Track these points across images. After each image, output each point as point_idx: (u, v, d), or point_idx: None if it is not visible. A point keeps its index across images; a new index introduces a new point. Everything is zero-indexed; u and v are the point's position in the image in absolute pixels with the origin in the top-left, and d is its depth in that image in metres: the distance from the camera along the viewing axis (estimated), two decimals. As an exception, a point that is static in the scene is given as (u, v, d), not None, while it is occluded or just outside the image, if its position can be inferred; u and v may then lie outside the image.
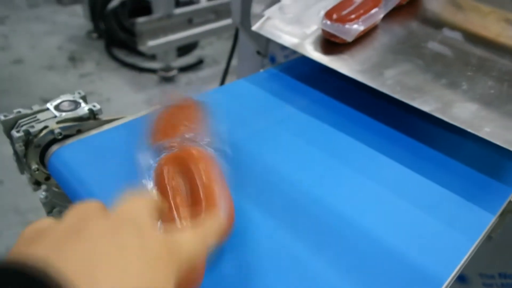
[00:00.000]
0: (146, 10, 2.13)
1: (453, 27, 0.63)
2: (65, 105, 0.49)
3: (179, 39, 2.11)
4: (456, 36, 0.62)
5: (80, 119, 0.48)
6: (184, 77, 2.22)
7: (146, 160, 0.40)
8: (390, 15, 0.65)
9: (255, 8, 0.69)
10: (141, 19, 1.95)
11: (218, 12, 2.27)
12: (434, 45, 0.59)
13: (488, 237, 0.51)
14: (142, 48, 1.99)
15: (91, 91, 2.01)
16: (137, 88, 2.12)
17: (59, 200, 0.50)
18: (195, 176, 0.36)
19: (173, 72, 2.16)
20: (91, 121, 0.49)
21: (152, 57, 2.22)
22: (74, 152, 0.45)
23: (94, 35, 2.40)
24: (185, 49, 2.35)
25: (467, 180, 0.48)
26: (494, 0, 0.66)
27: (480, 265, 0.78)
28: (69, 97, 0.50)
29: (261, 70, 0.69)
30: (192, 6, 2.26)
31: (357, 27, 0.58)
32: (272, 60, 0.97)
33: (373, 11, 0.60)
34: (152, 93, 2.08)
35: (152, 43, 1.98)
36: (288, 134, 0.52)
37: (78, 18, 2.53)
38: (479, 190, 0.47)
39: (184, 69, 2.26)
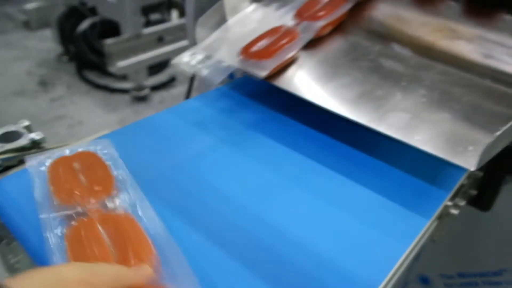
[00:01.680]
0: (116, 31, 2.13)
1: (389, 38, 0.66)
2: (7, 136, 0.49)
3: (150, 58, 2.12)
4: (392, 46, 0.64)
5: (21, 149, 0.48)
6: (157, 96, 2.23)
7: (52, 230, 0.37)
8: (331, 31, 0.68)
9: (200, 32, 0.71)
10: (109, 40, 1.95)
11: (188, 30, 2.29)
12: (371, 58, 0.61)
13: (432, 241, 0.53)
14: (112, 69, 1.99)
15: (62, 114, 2.00)
16: (109, 109, 2.11)
17: (5, 232, 0.50)
18: (118, 238, 0.36)
19: (146, 91, 2.16)
20: (34, 151, 0.49)
21: (124, 77, 2.22)
22: (15, 183, 0.46)
23: (65, 58, 2.40)
24: (157, 67, 2.35)
25: (403, 187, 0.50)
26: (431, 10, 0.69)
27: (440, 266, 0.80)
28: (11, 127, 0.50)
29: (212, 89, 0.70)
30: (162, 25, 2.28)
31: (271, 63, 0.59)
32: (231, 76, 0.99)
33: (290, 44, 0.62)
34: (125, 113, 2.08)
35: (122, 63, 1.98)
36: (224, 145, 0.53)
37: (48, 43, 2.52)
38: (415, 196, 0.49)
39: (156, 88, 2.26)
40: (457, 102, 0.53)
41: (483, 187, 0.65)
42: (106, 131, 0.57)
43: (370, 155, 0.54)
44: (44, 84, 2.22)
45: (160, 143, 0.55)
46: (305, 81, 0.59)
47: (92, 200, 0.39)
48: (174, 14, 2.54)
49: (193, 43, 0.88)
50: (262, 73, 0.58)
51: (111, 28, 2.25)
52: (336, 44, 0.66)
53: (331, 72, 0.59)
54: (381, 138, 0.56)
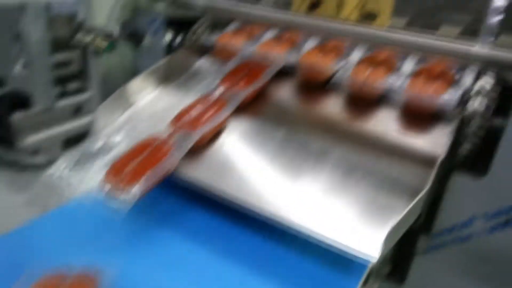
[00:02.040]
0: (28, 102, 2.00)
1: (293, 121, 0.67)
2: None
3: (65, 132, 2.01)
4: (298, 128, 0.66)
5: None
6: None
7: None
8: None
9: (100, 121, 0.68)
10: (18, 114, 1.82)
11: (108, 100, 2.22)
12: (275, 142, 0.61)
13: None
14: (20, 144, 1.84)
15: (-41, 198, 1.77)
16: (17, 189, 1.91)
17: None
18: None
19: (60, 166, 2.01)
20: None
21: (36, 152, 2.06)
22: None
23: (-33, 133, 2.18)
24: (74, 139, 2.23)
25: (311, 280, 0.47)
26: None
27: None
28: None
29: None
30: (79, 96, 2.19)
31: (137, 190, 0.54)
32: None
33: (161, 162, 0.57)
34: (36, 192, 1.90)
35: (32, 138, 1.84)
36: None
37: None
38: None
39: (73, 161, 2.12)
40: (357, 186, 0.53)
41: (395, 263, 0.65)
42: None
43: (278, 246, 0.52)
44: None
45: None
46: (207, 172, 0.57)
47: None
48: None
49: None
50: (131, 199, 0.53)
51: (21, 100, 2.11)
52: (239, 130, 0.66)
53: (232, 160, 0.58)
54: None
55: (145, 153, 0.57)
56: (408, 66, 0.69)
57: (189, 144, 0.60)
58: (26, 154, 2.10)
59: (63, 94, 2.22)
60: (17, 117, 1.83)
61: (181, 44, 0.90)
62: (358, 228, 0.48)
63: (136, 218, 0.57)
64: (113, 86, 0.92)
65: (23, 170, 2.04)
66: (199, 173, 0.58)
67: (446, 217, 0.71)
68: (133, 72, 0.95)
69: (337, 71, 0.69)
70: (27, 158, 2.09)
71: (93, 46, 0.75)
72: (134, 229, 0.56)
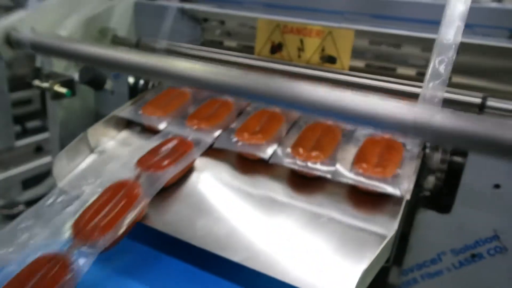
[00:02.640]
0: (-16, 143, 1.91)
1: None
2: None
3: (25, 172, 1.92)
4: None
5: None
6: (34, 212, 1.98)
7: None
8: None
9: (57, 167, 0.65)
10: (-27, 157, 1.73)
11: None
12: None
13: None
14: (-25, 188, 1.74)
15: None
16: (-29, 234, 1.79)
17: None
18: None
19: (19, 208, 1.91)
20: None
21: (-8, 194, 1.96)
22: None
23: None
24: (35, 179, 2.13)
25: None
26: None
27: None
28: None
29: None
30: (40, 134, 2.12)
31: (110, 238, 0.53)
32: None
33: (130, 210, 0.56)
34: (-8, 237, 1.78)
35: (-13, 181, 1.75)
36: None
37: None
38: None
39: (33, 203, 2.02)
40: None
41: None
42: None
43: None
44: None
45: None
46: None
47: None
48: (56, 120, 2.40)
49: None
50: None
51: (-23, 141, 2.02)
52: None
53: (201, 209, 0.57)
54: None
55: (113, 200, 0.56)
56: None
57: (158, 187, 0.59)
58: (-19, 197, 1.99)
59: (24, 133, 2.14)
60: (-27, 159, 1.74)
61: (144, 86, 0.89)
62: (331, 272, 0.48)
63: (102, 268, 0.54)
64: (75, 128, 0.89)
65: (-21, 214, 1.93)
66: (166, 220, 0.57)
67: (415, 254, 0.71)
68: (96, 115, 0.93)
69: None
70: (-18, 202, 1.98)
71: (52, 92, 0.73)
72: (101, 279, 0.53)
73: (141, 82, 0.89)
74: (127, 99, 0.87)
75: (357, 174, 0.60)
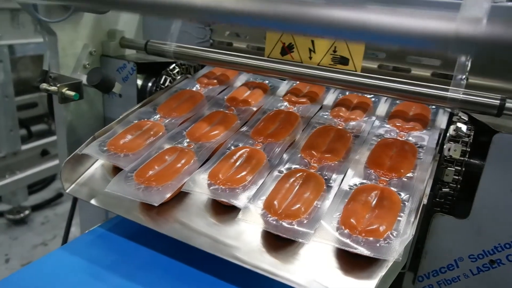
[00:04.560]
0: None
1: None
2: None
3: (31, 175, 1.92)
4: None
5: None
6: (39, 216, 1.98)
7: None
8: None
9: (65, 174, 0.64)
10: (-21, 161, 1.73)
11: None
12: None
13: None
14: (-19, 192, 1.74)
15: None
16: (-22, 238, 1.80)
17: None
18: None
19: (25, 213, 1.91)
20: None
21: (-1, 199, 1.96)
22: None
23: None
24: (39, 183, 2.13)
25: None
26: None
27: None
28: None
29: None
30: (45, 139, 2.12)
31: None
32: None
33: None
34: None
35: (-6, 185, 1.75)
36: None
37: None
38: None
39: (38, 207, 2.02)
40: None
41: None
42: None
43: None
44: None
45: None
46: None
47: None
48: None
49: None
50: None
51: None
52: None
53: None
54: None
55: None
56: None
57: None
58: (-14, 202, 1.99)
59: (29, 137, 2.14)
60: (-22, 163, 1.74)
61: (154, 89, 0.88)
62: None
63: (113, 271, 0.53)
64: (83, 132, 0.88)
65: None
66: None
67: (431, 259, 0.69)
68: (104, 118, 0.92)
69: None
70: (-10, 206, 1.98)
71: (60, 95, 0.72)
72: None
73: (149, 84, 0.88)
74: (135, 102, 0.86)
75: (343, 235, 0.52)
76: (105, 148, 0.68)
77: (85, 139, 0.69)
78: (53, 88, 0.73)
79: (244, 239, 0.56)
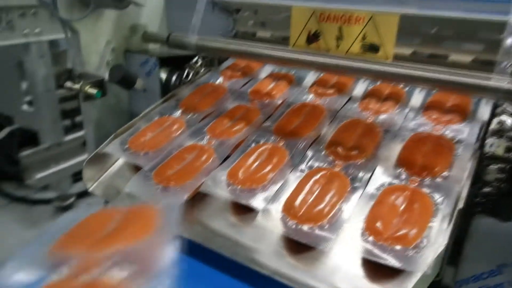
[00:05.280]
0: (37, 139, 2.00)
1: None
2: None
3: (75, 165, 1.99)
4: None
5: None
6: (83, 203, 2.06)
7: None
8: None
9: (87, 172, 0.64)
10: (26, 152, 1.82)
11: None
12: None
13: None
14: (29, 182, 1.83)
15: (-30, 238, 1.76)
16: (29, 224, 1.90)
17: None
18: None
19: (71, 200, 2.00)
20: None
21: (46, 187, 2.05)
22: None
23: (-21, 171, 2.19)
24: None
25: None
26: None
27: None
28: None
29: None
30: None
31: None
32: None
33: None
34: (46, 227, 1.87)
35: (40, 175, 1.84)
36: None
37: (-41, 155, 2.31)
38: None
39: (83, 194, 2.10)
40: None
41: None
42: None
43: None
44: (-49, 203, 1.99)
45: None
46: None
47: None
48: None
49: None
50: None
51: (30, 136, 2.12)
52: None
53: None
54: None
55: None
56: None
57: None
58: (35, 190, 2.10)
59: (72, 127, 2.22)
60: (26, 154, 1.83)
61: (178, 83, 0.87)
62: None
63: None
64: (110, 128, 0.89)
65: (34, 206, 2.04)
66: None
67: (471, 264, 0.64)
68: (130, 114, 0.92)
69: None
70: (37, 194, 2.09)
71: (82, 93, 0.72)
72: None
73: (173, 78, 0.87)
74: (159, 97, 0.85)
75: (367, 242, 0.48)
76: (126, 146, 0.67)
77: (112, 134, 0.69)
78: (76, 86, 0.73)
79: (265, 241, 0.54)
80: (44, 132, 1.90)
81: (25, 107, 1.88)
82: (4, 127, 2.11)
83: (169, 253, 0.32)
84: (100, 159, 0.69)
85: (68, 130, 2.16)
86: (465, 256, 0.63)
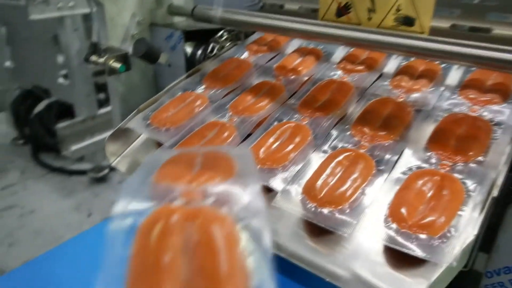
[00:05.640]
0: (73, 111, 2.07)
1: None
2: None
3: (108, 138, 2.05)
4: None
5: None
6: (116, 175, 2.12)
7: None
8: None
9: (110, 147, 0.65)
10: (62, 124, 1.88)
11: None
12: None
13: None
14: (65, 153, 1.90)
15: (13, 204, 1.86)
16: (65, 194, 1.99)
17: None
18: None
19: (105, 172, 2.06)
20: None
21: (82, 158, 2.13)
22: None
23: (20, 142, 2.30)
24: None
25: None
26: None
27: None
28: None
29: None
30: (121, 102, 2.22)
31: None
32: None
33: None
34: (81, 197, 1.96)
35: (76, 146, 1.90)
36: None
37: (2, 126, 2.43)
38: None
39: (116, 167, 2.16)
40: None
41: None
42: None
43: None
44: (-5, 171, 2.10)
45: None
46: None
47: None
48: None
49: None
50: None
51: (67, 109, 2.19)
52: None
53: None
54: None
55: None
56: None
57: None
58: (72, 161, 2.19)
59: (106, 101, 2.27)
60: (62, 126, 1.90)
61: (203, 57, 0.85)
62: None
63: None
64: (136, 103, 0.89)
65: (70, 176, 2.12)
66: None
67: (504, 255, 0.60)
68: (156, 89, 0.92)
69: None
70: (73, 165, 2.17)
71: (107, 67, 0.72)
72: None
73: (198, 53, 0.85)
74: (184, 71, 0.84)
75: (390, 228, 0.46)
76: (148, 122, 0.67)
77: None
78: (101, 60, 0.73)
79: (283, 223, 0.52)
80: (79, 105, 1.95)
81: (61, 80, 1.93)
82: (43, 100, 2.19)
83: (257, 194, 0.34)
84: (124, 134, 0.69)
85: (102, 103, 2.21)
86: (498, 246, 0.59)
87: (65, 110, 2.18)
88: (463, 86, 0.63)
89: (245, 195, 0.34)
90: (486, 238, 0.57)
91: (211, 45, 0.83)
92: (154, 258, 0.27)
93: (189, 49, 0.85)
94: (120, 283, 0.27)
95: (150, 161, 0.40)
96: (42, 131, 2.17)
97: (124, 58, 0.73)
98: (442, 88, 0.64)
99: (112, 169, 2.14)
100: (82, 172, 2.08)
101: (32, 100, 2.20)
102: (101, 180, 2.05)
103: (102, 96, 2.31)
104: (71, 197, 1.95)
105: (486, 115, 0.57)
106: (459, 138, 0.54)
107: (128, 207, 0.33)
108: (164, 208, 0.32)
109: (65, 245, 0.64)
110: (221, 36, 0.84)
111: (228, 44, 0.85)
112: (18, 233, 1.70)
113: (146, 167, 0.39)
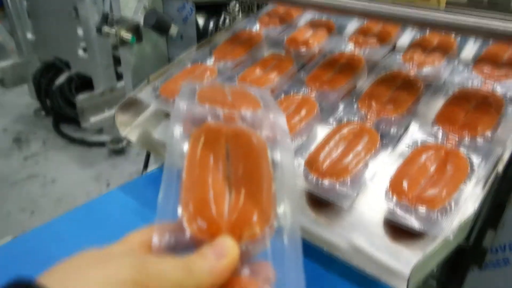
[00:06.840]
0: (92, 83, 2.10)
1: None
2: None
3: (126, 110, 2.08)
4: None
5: None
6: (134, 148, 2.16)
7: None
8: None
9: (120, 117, 0.66)
10: (81, 96, 1.92)
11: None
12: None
13: None
14: (84, 124, 1.94)
15: (35, 173, 1.93)
16: (85, 164, 2.05)
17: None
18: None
19: (123, 144, 2.10)
20: None
21: (101, 130, 2.18)
22: None
23: (42, 113, 2.36)
24: (135, 118, 2.30)
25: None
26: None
27: None
28: None
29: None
30: (139, 75, 2.24)
31: None
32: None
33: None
34: (101, 168, 2.01)
35: (95, 118, 1.94)
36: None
37: (25, 98, 2.49)
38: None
39: (134, 139, 2.20)
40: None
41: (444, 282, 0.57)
42: None
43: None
44: (18, 141, 2.17)
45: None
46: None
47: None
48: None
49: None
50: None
51: (87, 81, 2.22)
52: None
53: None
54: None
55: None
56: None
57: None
58: (92, 132, 2.23)
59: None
60: (81, 98, 1.93)
61: (215, 29, 0.85)
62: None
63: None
64: (147, 74, 0.90)
65: (90, 148, 2.18)
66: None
67: (508, 232, 0.59)
68: (168, 60, 0.92)
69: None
70: (93, 137, 2.22)
71: (118, 38, 0.73)
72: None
73: (210, 25, 0.85)
74: (196, 43, 0.84)
75: (389, 201, 0.46)
76: (157, 93, 0.68)
77: (148, 81, 0.70)
78: (112, 31, 0.74)
79: (286, 194, 0.53)
80: (98, 77, 1.98)
81: (80, 52, 1.95)
82: (63, 72, 2.23)
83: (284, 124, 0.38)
84: (134, 105, 0.70)
85: (121, 76, 2.23)
86: (504, 222, 0.59)
87: (84, 83, 2.21)
88: (478, 60, 0.61)
89: (275, 125, 0.38)
90: (496, 215, 0.57)
91: (223, 17, 0.83)
92: (204, 157, 0.32)
93: (201, 21, 0.85)
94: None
95: (188, 87, 0.45)
96: (63, 103, 2.22)
97: (135, 29, 0.74)
98: (455, 62, 0.62)
99: (129, 142, 2.19)
100: (101, 144, 2.13)
101: (54, 72, 2.25)
102: (119, 152, 2.10)
103: (121, 69, 2.33)
104: (91, 167, 2.01)
105: (500, 90, 0.56)
106: (468, 113, 0.53)
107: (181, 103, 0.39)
108: (211, 123, 0.37)
109: (76, 210, 0.66)
110: (233, 7, 0.83)
111: (240, 16, 0.84)
112: (40, 201, 1.77)
113: (186, 92, 0.43)
